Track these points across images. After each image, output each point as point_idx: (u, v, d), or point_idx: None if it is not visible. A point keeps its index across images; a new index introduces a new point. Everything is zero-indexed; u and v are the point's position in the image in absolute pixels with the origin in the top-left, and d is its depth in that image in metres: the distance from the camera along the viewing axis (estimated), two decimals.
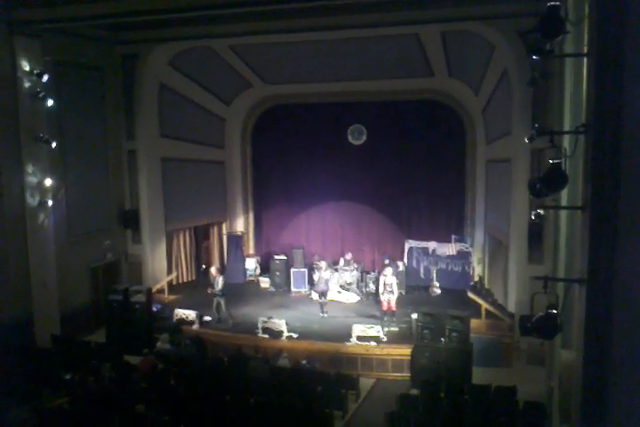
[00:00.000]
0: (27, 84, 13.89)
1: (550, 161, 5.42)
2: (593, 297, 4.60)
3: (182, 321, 15.33)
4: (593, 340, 4.61)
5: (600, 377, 4.52)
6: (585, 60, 6.21)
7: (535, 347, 13.56)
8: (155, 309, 15.95)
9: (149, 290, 15.63)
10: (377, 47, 16.41)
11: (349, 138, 19.60)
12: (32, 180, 14.18)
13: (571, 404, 6.03)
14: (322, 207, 20.30)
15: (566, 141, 7.96)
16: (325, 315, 15.88)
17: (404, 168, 19.27)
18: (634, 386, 4.40)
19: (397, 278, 15.92)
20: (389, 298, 15.12)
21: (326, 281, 16.25)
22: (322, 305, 16.01)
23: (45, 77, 13.96)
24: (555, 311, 5.24)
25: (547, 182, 5.49)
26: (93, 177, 16.72)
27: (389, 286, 15.14)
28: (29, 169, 14.12)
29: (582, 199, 5.22)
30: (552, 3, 5.48)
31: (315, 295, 17.11)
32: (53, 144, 14.34)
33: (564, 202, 8.63)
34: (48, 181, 14.50)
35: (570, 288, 5.74)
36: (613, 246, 4.38)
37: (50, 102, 14.20)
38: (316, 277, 16.80)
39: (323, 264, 16.82)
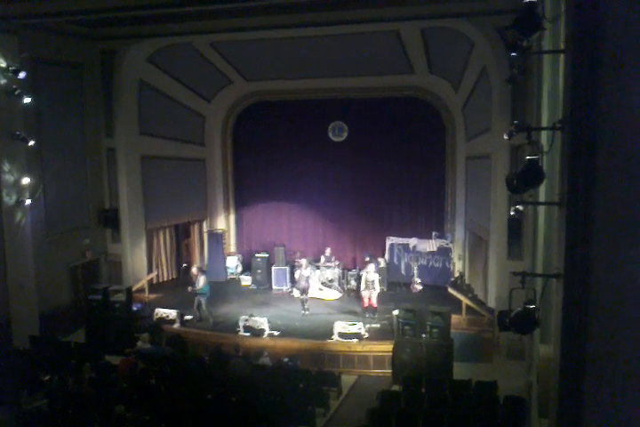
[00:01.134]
0: (2, 81, 13.70)
1: (527, 157, 5.45)
2: (569, 292, 4.63)
3: (163, 320, 15.24)
4: (569, 334, 4.65)
5: (576, 372, 4.56)
6: (562, 56, 6.26)
7: (515, 342, 13.69)
8: (135, 308, 15.84)
9: (129, 289, 15.52)
10: (357, 44, 16.40)
11: (330, 135, 19.57)
12: (9, 178, 14.00)
13: (549, 398, 6.08)
14: (303, 204, 20.27)
15: (545, 138, 8.03)
16: (307, 312, 15.87)
17: (385, 165, 19.29)
18: (609, 380, 4.44)
19: (379, 275, 15.96)
20: (370, 294, 15.18)
21: (307, 278, 16.25)
22: (303, 302, 16.00)
23: (22, 74, 13.73)
24: (532, 306, 5.28)
25: (523, 178, 5.52)
26: (72, 175, 16.53)
27: (372, 282, 15.19)
28: (6, 167, 13.93)
29: (559, 195, 5.26)
30: (529, 0, 5.50)
31: (296, 293, 17.10)
32: (31, 142, 14.17)
33: (542, 198, 8.72)
34: (25, 180, 14.32)
35: (547, 283, 5.78)
36: (589, 242, 4.41)
37: (27, 100, 13.99)
38: (297, 274, 16.78)
39: (303, 262, 16.76)
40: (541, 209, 9.71)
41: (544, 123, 9.36)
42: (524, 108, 13.75)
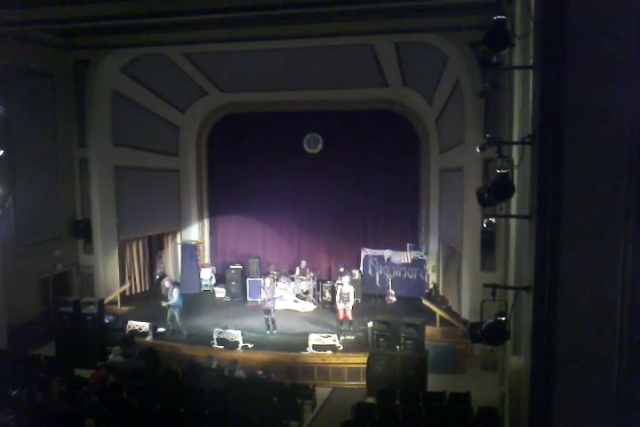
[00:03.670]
0: None
1: (498, 171, 5.53)
2: (539, 304, 4.69)
3: (135, 333, 15.04)
4: (539, 346, 4.70)
5: (546, 383, 4.60)
6: (531, 72, 6.39)
7: (488, 353, 13.77)
8: (107, 320, 15.61)
9: (101, 301, 15.30)
10: (332, 57, 16.52)
11: (305, 147, 19.65)
12: None
13: (520, 409, 6.13)
14: (278, 216, 20.26)
15: (516, 151, 8.15)
16: (274, 331, 15.34)
17: (360, 177, 19.42)
18: (579, 392, 4.50)
19: (353, 287, 15.90)
20: (345, 307, 15.11)
21: (273, 299, 15.58)
22: (266, 321, 15.40)
23: None
24: (503, 318, 5.33)
25: (494, 192, 5.59)
26: (43, 186, 16.31)
27: (346, 294, 15.14)
28: None
29: (529, 208, 5.34)
30: (498, 16, 5.60)
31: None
32: (0, 152, 13.93)
33: (513, 211, 8.83)
34: None
35: (518, 295, 5.85)
36: (557, 254, 4.48)
37: None
38: (263, 293, 15.95)
39: (267, 281, 15.89)
40: (513, 222, 9.84)
41: (515, 137, 9.50)
42: (496, 122, 13.94)
